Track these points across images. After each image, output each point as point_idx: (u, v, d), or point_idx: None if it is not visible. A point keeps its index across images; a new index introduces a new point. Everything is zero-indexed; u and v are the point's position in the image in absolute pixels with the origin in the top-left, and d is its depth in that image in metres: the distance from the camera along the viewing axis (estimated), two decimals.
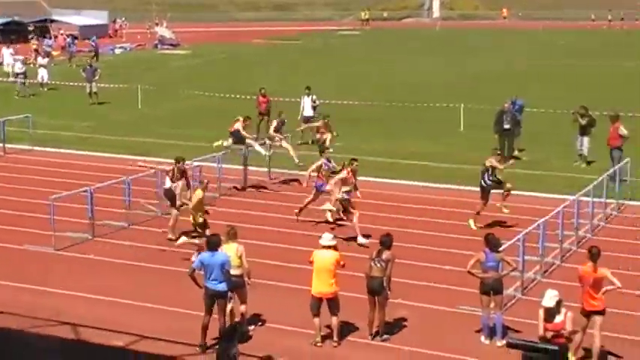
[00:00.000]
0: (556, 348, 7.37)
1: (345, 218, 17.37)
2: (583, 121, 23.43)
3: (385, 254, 12.55)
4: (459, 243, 16.64)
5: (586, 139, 23.44)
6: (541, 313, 10.63)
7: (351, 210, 16.96)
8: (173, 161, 17.66)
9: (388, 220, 17.80)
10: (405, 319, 13.27)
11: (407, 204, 19.56)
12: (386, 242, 12.73)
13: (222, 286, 12.12)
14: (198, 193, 15.78)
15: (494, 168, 17.76)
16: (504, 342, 11.65)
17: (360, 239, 16.56)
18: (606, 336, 11.84)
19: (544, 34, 69.33)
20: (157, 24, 64.80)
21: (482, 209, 17.87)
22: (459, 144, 25.98)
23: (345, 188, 17.01)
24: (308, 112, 27.24)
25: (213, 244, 12.26)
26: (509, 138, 24.38)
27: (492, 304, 12.54)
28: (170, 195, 17.25)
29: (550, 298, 10.56)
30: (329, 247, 12.54)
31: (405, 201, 19.80)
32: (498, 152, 18.67)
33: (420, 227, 17.77)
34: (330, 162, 18.54)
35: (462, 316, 13.39)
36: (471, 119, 28.68)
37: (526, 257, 14.37)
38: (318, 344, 12.42)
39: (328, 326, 12.54)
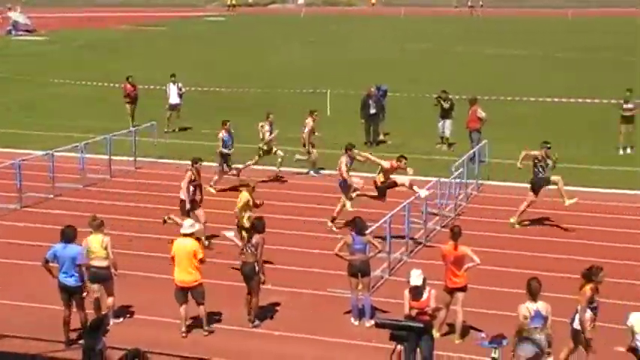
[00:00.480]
0: (421, 325, 7.57)
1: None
2: (446, 105, 24.19)
3: (255, 238, 12.55)
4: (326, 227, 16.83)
5: (448, 122, 24.24)
6: (406, 292, 10.92)
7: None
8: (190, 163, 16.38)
9: None
10: (277, 304, 13.35)
11: (273, 190, 19.61)
12: (257, 226, 12.73)
13: (72, 280, 11.84)
14: (244, 196, 14.78)
15: (540, 159, 16.99)
16: (373, 322, 11.90)
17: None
18: (468, 311, 12.31)
19: (406, 20, 70.96)
20: (9, 8, 61.64)
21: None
22: (326, 129, 26.22)
23: (381, 179, 16.51)
24: (174, 99, 26.78)
25: (67, 236, 11.91)
26: (375, 122, 24.96)
27: (360, 286, 12.79)
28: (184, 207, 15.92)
29: (417, 277, 10.85)
30: (188, 235, 12.39)
31: (271, 187, 19.83)
32: (549, 146, 17.12)
33: (289, 212, 17.86)
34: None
35: (331, 299, 13.58)
36: (338, 104, 29.05)
37: (392, 239, 14.73)
38: (182, 334, 12.28)
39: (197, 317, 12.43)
